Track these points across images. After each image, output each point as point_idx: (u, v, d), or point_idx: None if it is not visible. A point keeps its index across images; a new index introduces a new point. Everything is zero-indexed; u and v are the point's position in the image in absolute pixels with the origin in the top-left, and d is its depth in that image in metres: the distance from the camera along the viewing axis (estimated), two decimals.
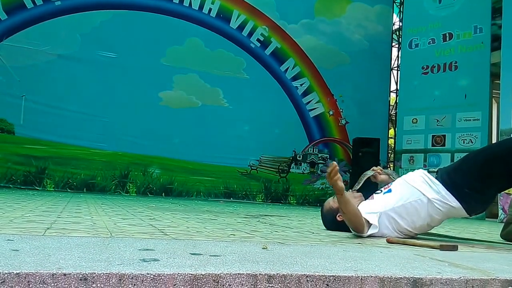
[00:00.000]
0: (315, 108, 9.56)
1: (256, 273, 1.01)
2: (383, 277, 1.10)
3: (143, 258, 1.10)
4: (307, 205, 9.05)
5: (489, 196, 2.34)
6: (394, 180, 2.58)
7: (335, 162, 2.23)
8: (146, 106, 8.37)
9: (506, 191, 6.50)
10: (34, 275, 0.87)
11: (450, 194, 2.26)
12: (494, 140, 8.50)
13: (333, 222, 2.57)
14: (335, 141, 9.73)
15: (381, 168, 2.71)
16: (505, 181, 2.32)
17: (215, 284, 0.97)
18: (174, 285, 0.94)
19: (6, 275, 0.85)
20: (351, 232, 2.48)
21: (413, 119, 8.62)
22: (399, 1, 10.06)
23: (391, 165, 9.59)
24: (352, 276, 1.08)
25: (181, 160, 8.64)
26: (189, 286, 0.95)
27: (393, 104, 10.13)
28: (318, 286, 1.04)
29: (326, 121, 9.66)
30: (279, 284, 1.02)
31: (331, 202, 2.63)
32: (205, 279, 0.97)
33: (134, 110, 8.25)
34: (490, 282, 1.18)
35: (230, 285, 0.98)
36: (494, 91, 8.59)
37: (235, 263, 1.12)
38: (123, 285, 0.91)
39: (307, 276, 1.04)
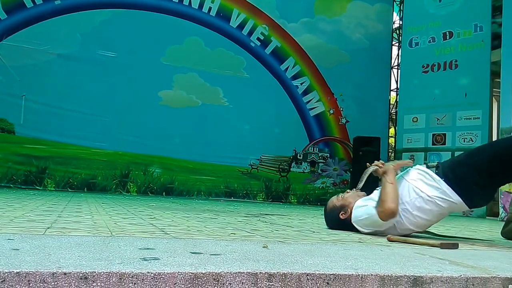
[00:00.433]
0: (315, 107, 9.55)
1: (257, 271, 1.01)
2: (384, 275, 1.10)
3: (144, 257, 1.10)
4: (307, 204, 9.05)
5: (492, 191, 2.34)
6: (386, 177, 2.57)
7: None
8: (146, 105, 8.37)
9: (507, 189, 6.50)
10: (34, 274, 0.87)
11: (452, 190, 2.25)
12: (494, 139, 8.49)
13: (336, 221, 2.56)
14: (335, 140, 9.73)
15: (383, 162, 2.68)
16: (510, 177, 2.32)
17: (216, 282, 0.97)
18: (175, 284, 0.94)
19: (6, 274, 0.85)
20: (353, 231, 2.49)
21: (413, 117, 8.62)
22: (399, 0, 10.05)
23: None
24: (352, 274, 1.08)
25: (181, 159, 8.64)
26: (189, 285, 0.95)
27: (393, 103, 10.13)
28: (318, 284, 1.04)
29: (327, 120, 9.66)
30: (280, 283, 1.02)
31: (335, 201, 2.63)
32: (205, 278, 0.97)
33: (134, 110, 8.25)
34: (491, 280, 1.18)
35: (230, 284, 0.98)
36: (494, 89, 8.58)
37: (235, 262, 1.12)
38: (123, 284, 0.91)
39: (307, 275, 1.04)
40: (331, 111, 9.65)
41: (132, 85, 8.27)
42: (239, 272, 1.00)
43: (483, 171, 2.23)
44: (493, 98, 8.98)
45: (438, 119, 8.25)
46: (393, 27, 10.26)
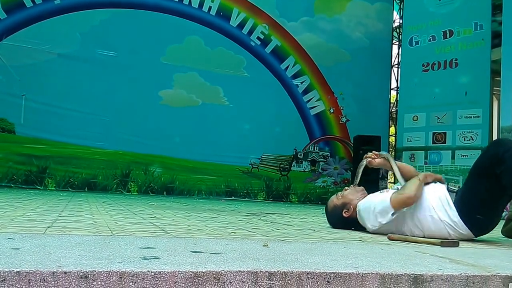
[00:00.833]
0: (315, 106, 9.55)
1: (257, 270, 1.01)
2: (384, 273, 1.10)
3: (144, 256, 1.10)
4: (308, 203, 9.05)
5: (497, 220, 2.33)
6: (390, 162, 2.55)
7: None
8: (147, 105, 8.37)
9: None
10: (35, 273, 0.87)
11: (463, 223, 2.22)
12: (495, 137, 8.48)
13: (340, 219, 2.56)
14: (336, 139, 9.72)
15: (375, 153, 2.67)
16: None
17: (216, 281, 0.97)
18: (175, 282, 0.94)
19: (6, 273, 0.85)
20: (356, 228, 2.49)
21: (413, 116, 8.60)
22: None
23: None
24: (353, 273, 1.08)
25: (182, 159, 8.64)
26: (190, 284, 0.95)
27: (393, 101, 10.12)
28: (319, 283, 1.04)
29: (327, 119, 9.65)
30: (280, 281, 1.02)
31: (335, 200, 2.63)
32: (206, 277, 0.97)
33: (134, 109, 8.25)
34: (491, 278, 1.18)
35: (231, 283, 0.98)
36: (494, 88, 8.56)
37: (236, 261, 1.12)
38: (123, 283, 0.91)
39: (307, 273, 1.04)
40: (332, 110, 9.65)
41: (132, 84, 8.27)
42: (239, 271, 1.00)
43: (488, 206, 2.21)
44: (494, 96, 8.97)
45: (438, 118, 8.23)
46: (393, 26, 10.25)
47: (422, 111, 8.46)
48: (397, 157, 9.23)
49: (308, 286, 1.03)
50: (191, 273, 0.96)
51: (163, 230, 1.94)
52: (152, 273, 0.93)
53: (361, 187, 2.60)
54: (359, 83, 9.60)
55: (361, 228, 2.46)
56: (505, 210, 2.47)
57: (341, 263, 1.20)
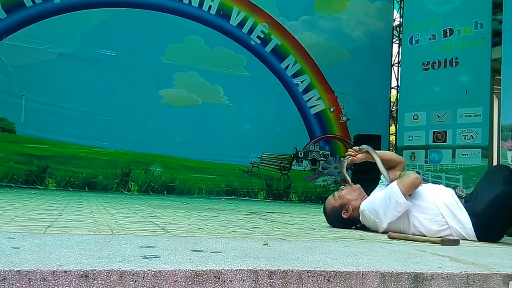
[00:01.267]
0: (316, 105, 9.54)
1: (257, 269, 1.01)
2: (384, 272, 1.10)
3: (144, 255, 1.10)
4: (308, 202, 9.05)
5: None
6: (372, 154, 2.54)
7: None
8: (147, 104, 8.36)
9: None
10: (35, 272, 0.87)
11: (473, 231, 2.21)
12: (495, 136, 8.48)
13: (339, 220, 2.55)
14: (336, 138, 9.72)
15: (355, 148, 2.65)
16: None
17: (216, 280, 0.97)
18: (175, 281, 0.94)
19: (7, 272, 0.85)
20: (356, 228, 2.48)
21: (414, 115, 8.60)
22: None
23: None
24: (353, 271, 1.08)
25: (182, 158, 8.64)
26: (190, 282, 0.95)
27: (394, 100, 10.11)
28: (319, 281, 1.04)
29: (327, 118, 9.65)
30: (280, 280, 1.02)
31: (332, 201, 2.61)
32: (206, 275, 0.97)
33: (135, 109, 8.25)
34: (491, 276, 1.18)
35: (231, 281, 0.98)
36: (495, 86, 8.55)
37: (236, 259, 1.12)
38: (124, 281, 0.91)
39: (308, 272, 1.04)
40: (332, 109, 9.64)
41: (132, 84, 8.27)
42: (239, 270, 1.00)
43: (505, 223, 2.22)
44: (494, 95, 8.96)
45: (438, 117, 8.23)
46: (394, 25, 10.24)
47: (422, 109, 8.46)
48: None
49: (309, 284, 1.04)
50: (191, 271, 0.96)
51: (164, 229, 1.94)
52: (153, 272, 0.93)
53: (358, 185, 2.58)
54: (359, 82, 9.59)
55: (362, 226, 2.46)
56: None
57: (341, 262, 1.20)
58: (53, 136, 7.85)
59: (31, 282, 0.86)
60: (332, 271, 1.06)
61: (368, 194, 2.54)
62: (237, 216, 3.28)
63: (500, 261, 1.44)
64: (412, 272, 1.12)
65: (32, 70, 7.72)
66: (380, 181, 2.62)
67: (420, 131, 8.49)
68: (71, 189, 7.66)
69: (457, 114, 8.04)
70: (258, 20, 9.16)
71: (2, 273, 0.85)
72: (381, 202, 2.31)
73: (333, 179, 9.52)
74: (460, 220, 2.23)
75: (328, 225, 2.70)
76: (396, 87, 9.90)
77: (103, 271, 0.90)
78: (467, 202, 2.30)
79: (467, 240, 2.22)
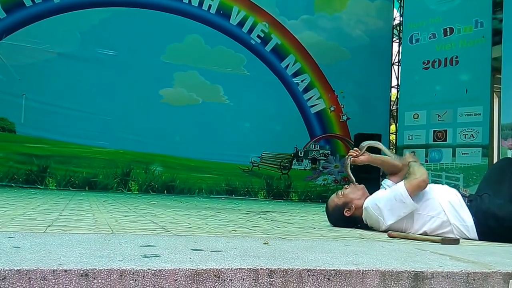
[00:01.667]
0: (316, 105, 9.54)
1: (257, 267, 1.01)
2: (384, 271, 1.10)
3: (144, 254, 1.10)
4: (309, 201, 9.05)
5: None
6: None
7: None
8: (147, 103, 8.36)
9: None
10: (35, 272, 0.87)
11: (475, 232, 2.21)
12: (495, 135, 8.47)
13: (341, 219, 2.55)
14: (336, 137, 9.71)
15: (357, 149, 2.66)
16: None
17: (216, 279, 0.97)
18: (175, 280, 0.94)
19: (7, 271, 0.85)
20: (357, 227, 2.48)
21: (414, 114, 8.59)
22: None
23: None
24: (353, 270, 1.08)
25: (182, 157, 8.64)
26: (190, 281, 0.95)
27: (394, 99, 10.11)
28: (319, 280, 1.04)
29: (327, 117, 9.65)
30: (280, 279, 1.02)
31: (335, 199, 2.61)
32: (206, 274, 0.97)
33: (135, 108, 8.25)
34: (492, 275, 1.18)
35: (231, 280, 0.98)
36: (495, 85, 8.55)
37: (236, 258, 1.12)
38: (124, 280, 0.91)
39: (308, 271, 1.04)
40: (332, 108, 9.64)
41: (132, 83, 8.26)
42: (240, 268, 1.00)
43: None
44: (494, 94, 8.96)
45: (439, 116, 8.22)
46: (394, 24, 10.23)
47: (422, 109, 8.45)
48: (398, 155, 9.22)
49: (309, 283, 1.03)
50: (191, 270, 0.96)
51: (164, 228, 1.94)
52: (153, 271, 0.93)
53: (362, 185, 2.58)
54: (360, 81, 9.59)
55: (363, 225, 2.46)
56: None
57: (341, 260, 1.20)
58: (53, 135, 7.85)
59: (31, 281, 0.86)
60: (333, 270, 1.06)
61: (371, 194, 2.54)
62: (237, 216, 3.28)
63: (500, 259, 1.44)
64: (413, 271, 1.12)
65: (32, 70, 7.72)
66: (382, 186, 2.63)
67: (421, 130, 8.49)
68: (71, 189, 7.67)
69: (457, 113, 8.03)
70: (258, 19, 9.15)
71: (2, 272, 0.85)
72: (386, 201, 2.31)
73: (333, 178, 9.52)
74: (463, 218, 2.23)
75: (329, 224, 2.70)
76: (396, 86, 9.90)
77: (103, 270, 0.90)
78: (471, 201, 2.30)
79: (468, 238, 2.22)
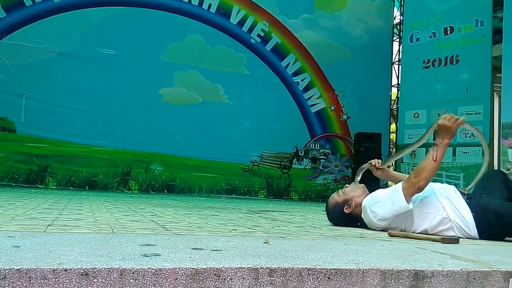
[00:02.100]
0: (316, 104, 9.54)
1: (258, 267, 1.01)
2: (385, 269, 1.10)
3: (145, 253, 1.10)
4: (309, 200, 9.05)
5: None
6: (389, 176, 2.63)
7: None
8: (147, 103, 8.36)
9: None
10: (35, 271, 0.87)
11: (475, 228, 2.21)
12: (496, 134, 8.47)
13: (341, 216, 2.55)
14: (336, 137, 9.72)
15: (379, 161, 2.68)
16: None
17: (217, 278, 0.97)
18: (176, 279, 0.94)
19: (7, 271, 0.85)
20: (357, 226, 2.48)
21: (414, 113, 8.59)
22: None
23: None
24: (353, 269, 1.08)
25: (182, 156, 8.64)
26: (190, 280, 0.95)
27: (394, 98, 10.10)
28: (319, 279, 1.04)
29: (328, 116, 9.65)
30: (281, 278, 1.02)
31: (336, 197, 2.61)
32: (206, 273, 0.97)
33: (135, 107, 8.25)
34: (492, 274, 1.18)
35: (231, 279, 0.98)
36: (495, 84, 8.54)
37: (236, 257, 1.12)
38: (124, 280, 0.91)
39: (308, 270, 1.04)
40: (332, 108, 9.64)
41: (132, 82, 8.26)
42: (240, 268, 1.00)
43: None
44: (494, 93, 8.95)
45: (439, 115, 8.15)
46: (394, 23, 10.22)
47: (423, 108, 8.45)
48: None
49: (309, 282, 1.03)
50: (191, 269, 0.96)
51: (164, 228, 1.94)
52: (153, 270, 0.93)
53: (362, 185, 2.60)
54: (360, 80, 9.59)
55: (363, 224, 2.46)
56: None
57: (341, 259, 1.20)
58: (53, 135, 7.85)
59: (32, 281, 0.86)
60: (333, 269, 1.06)
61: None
62: (238, 215, 3.28)
63: (500, 258, 1.44)
64: (413, 270, 1.12)
65: (32, 69, 7.72)
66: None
67: (421, 129, 8.46)
68: (71, 188, 7.67)
69: (457, 112, 8.02)
70: (258, 18, 9.15)
71: (3, 272, 0.85)
72: (383, 201, 2.32)
73: (333, 178, 9.52)
74: (462, 215, 2.24)
75: (329, 223, 2.70)
76: (396, 85, 9.90)
77: (103, 269, 0.90)
78: (470, 199, 2.30)
79: (468, 235, 2.22)
